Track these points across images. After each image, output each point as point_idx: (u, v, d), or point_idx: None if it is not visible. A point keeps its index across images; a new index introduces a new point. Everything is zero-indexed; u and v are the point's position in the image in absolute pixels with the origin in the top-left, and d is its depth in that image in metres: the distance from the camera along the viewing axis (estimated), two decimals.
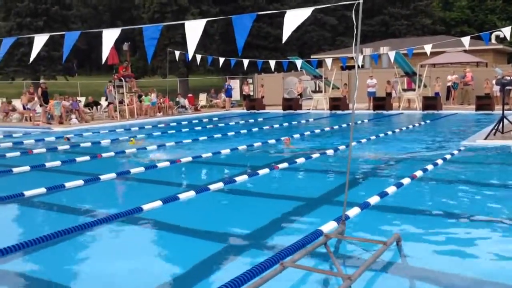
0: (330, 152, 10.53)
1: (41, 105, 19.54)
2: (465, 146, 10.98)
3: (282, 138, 12.56)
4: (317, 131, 15.25)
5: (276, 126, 17.80)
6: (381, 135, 13.59)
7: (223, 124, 18.84)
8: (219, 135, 14.66)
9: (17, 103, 22.20)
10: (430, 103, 21.42)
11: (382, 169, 8.81)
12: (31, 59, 8.15)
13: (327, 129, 15.96)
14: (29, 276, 4.32)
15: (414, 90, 22.50)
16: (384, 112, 21.78)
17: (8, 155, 11.25)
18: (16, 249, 4.75)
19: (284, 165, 9.10)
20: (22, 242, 4.88)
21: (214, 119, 21.36)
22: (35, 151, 11.95)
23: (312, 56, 33.92)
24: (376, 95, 23.31)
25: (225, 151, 11.08)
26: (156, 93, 24.12)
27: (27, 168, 9.32)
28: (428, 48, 18.17)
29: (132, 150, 11.72)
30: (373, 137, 12.93)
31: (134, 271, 4.33)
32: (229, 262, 4.50)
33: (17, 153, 11.55)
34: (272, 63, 24.76)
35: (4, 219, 6.39)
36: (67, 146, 12.76)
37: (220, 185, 7.47)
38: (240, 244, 5.00)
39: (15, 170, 9.17)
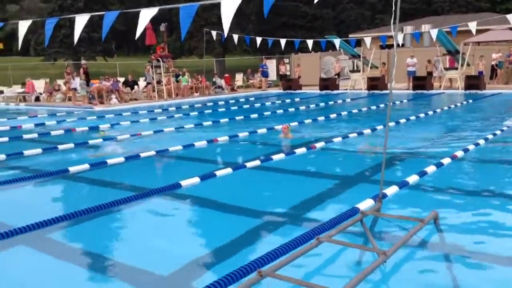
0: (367, 132, 10.43)
1: (87, 85, 20.02)
2: (508, 126, 10.66)
3: (279, 127, 11.07)
4: (354, 111, 15.09)
5: (313, 106, 17.70)
6: (421, 115, 13.33)
7: (259, 104, 18.87)
8: (256, 115, 14.71)
9: (60, 83, 22.86)
10: (473, 82, 20.78)
11: (421, 149, 8.68)
12: (75, 40, 8.38)
13: (364, 109, 15.76)
14: (72, 246, 4.52)
15: (456, 69, 21.86)
16: (425, 91, 21.30)
17: (53, 133, 11.65)
18: (61, 220, 4.97)
19: (321, 144, 9.08)
20: (67, 214, 5.10)
21: (251, 99, 21.40)
22: (78, 129, 12.33)
23: (350, 35, 33.34)
24: (416, 74, 22.77)
25: (261, 131, 11.13)
26: (188, 74, 24.24)
27: (71, 145, 9.65)
28: (473, 26, 17.56)
29: (171, 129, 11.93)
30: (412, 117, 12.71)
31: (172, 246, 4.47)
32: (266, 237, 4.58)
33: (61, 132, 11.95)
34: (310, 42, 24.54)
35: (51, 193, 6.67)
36: (108, 125, 13.10)
37: (257, 162, 7.55)
38: (277, 220, 5.07)
39: (60, 147, 9.51)
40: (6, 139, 10.79)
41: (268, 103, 19.30)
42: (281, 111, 16.08)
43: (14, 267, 4.01)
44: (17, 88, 24.00)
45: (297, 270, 3.51)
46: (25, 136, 11.18)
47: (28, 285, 3.66)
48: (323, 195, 5.94)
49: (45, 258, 4.22)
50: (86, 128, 12.48)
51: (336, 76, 25.34)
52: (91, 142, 10.06)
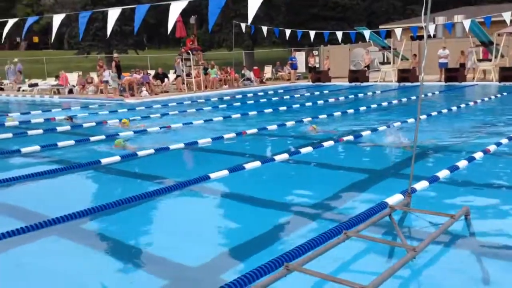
0: (397, 124, 10.29)
1: (118, 77, 20.33)
2: None
3: (307, 120, 11.41)
4: (384, 104, 14.89)
5: (342, 98, 17.55)
6: (453, 108, 13.06)
7: (288, 97, 18.81)
8: (284, 108, 14.68)
9: (93, 76, 23.29)
10: (507, 74, 20.20)
11: (453, 143, 8.51)
12: (108, 33, 8.52)
13: (394, 102, 15.54)
14: (103, 237, 4.62)
15: (490, 60, 21.29)
16: (457, 84, 20.84)
17: (85, 125, 11.90)
18: (93, 211, 5.09)
19: (350, 137, 9.01)
20: (99, 205, 5.21)
21: (279, 91, 21.36)
22: (109, 122, 12.55)
23: (380, 26, 32.82)
24: (448, 66, 22.28)
25: (290, 123, 11.12)
26: (217, 66, 24.31)
27: (102, 137, 9.84)
28: (507, 16, 17.07)
29: (200, 121, 12.03)
30: (444, 110, 12.47)
31: (201, 238, 4.52)
32: (293, 231, 4.58)
33: (93, 123, 12.20)
34: (339, 34, 24.31)
35: (84, 184, 6.83)
36: (138, 117, 13.29)
37: (285, 156, 7.55)
38: (304, 214, 5.07)
39: (92, 139, 9.71)
40: (40, 131, 11.08)
41: (297, 96, 19.22)
42: (310, 103, 16.00)
43: (47, 257, 4.13)
44: (51, 81, 24.57)
45: (324, 265, 3.51)
46: (59, 129, 11.45)
47: (59, 275, 3.77)
48: (351, 189, 5.90)
49: (77, 249, 4.33)
50: (117, 121, 12.69)
51: (366, 68, 25.03)
52: (121, 134, 10.23)
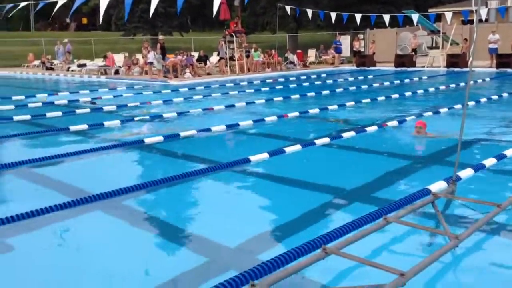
0: (444, 111, 10.00)
1: (163, 59, 20.61)
2: None
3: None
4: (431, 89, 14.48)
5: (387, 83, 17.18)
6: (504, 94, 12.56)
7: (331, 81, 18.58)
8: (327, 92, 14.52)
9: (139, 57, 23.70)
10: None
11: (502, 131, 8.21)
12: (150, 13, 8.60)
13: (442, 87, 15.08)
14: (145, 214, 4.74)
15: None
16: (509, 70, 19.99)
17: (130, 105, 12.16)
18: (136, 188, 5.21)
19: (394, 123, 8.83)
20: (142, 183, 5.34)
21: (323, 75, 21.11)
22: (153, 102, 12.77)
23: (430, 10, 31.78)
24: (498, 51, 21.37)
25: (332, 107, 10.99)
26: (260, 49, 24.21)
27: (146, 117, 10.04)
28: None
29: (242, 104, 12.07)
30: (494, 97, 12.01)
31: (240, 219, 4.56)
32: (332, 214, 4.56)
33: (137, 103, 12.45)
34: (386, 17, 23.73)
35: (127, 162, 7.00)
36: (181, 99, 13.47)
37: (326, 140, 7.48)
38: (344, 198, 5.02)
39: (136, 119, 9.92)
40: (87, 110, 11.40)
41: (340, 80, 18.96)
42: (354, 88, 15.76)
43: (90, 233, 4.27)
44: (99, 62, 25.18)
45: (362, 249, 3.47)
46: (105, 108, 11.74)
47: (101, 251, 3.89)
48: (394, 175, 5.80)
49: (119, 224, 4.46)
50: (161, 102, 12.89)
51: (413, 53, 24.36)
52: (165, 115, 10.39)
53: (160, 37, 22.74)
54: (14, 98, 13.70)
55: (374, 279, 2.97)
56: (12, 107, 12.06)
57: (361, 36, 28.61)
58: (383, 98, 12.54)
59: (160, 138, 7.85)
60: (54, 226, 4.36)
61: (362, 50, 27.57)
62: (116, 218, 4.61)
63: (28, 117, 10.31)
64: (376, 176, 5.69)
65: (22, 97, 14.06)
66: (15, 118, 10.22)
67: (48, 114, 10.61)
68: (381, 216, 3.90)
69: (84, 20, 66.06)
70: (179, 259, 3.72)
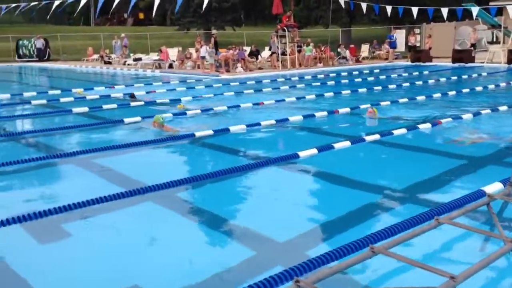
0: (503, 109, 9.58)
1: (216, 53, 20.85)
2: None
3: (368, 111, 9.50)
4: (491, 86, 13.89)
5: (443, 80, 16.63)
6: None
7: (384, 76, 18.19)
8: (379, 88, 14.24)
9: (192, 52, 24.09)
10: None
11: None
12: (203, 7, 8.70)
13: (502, 84, 14.44)
14: (195, 206, 4.83)
15: None
16: None
17: (183, 99, 12.39)
18: (187, 181, 5.32)
19: (448, 120, 8.55)
20: (193, 176, 5.44)
21: (376, 70, 20.71)
22: (204, 96, 12.96)
23: (491, 3, 30.45)
24: None
25: (385, 103, 10.77)
26: (312, 44, 24.01)
27: (198, 111, 10.20)
28: None
29: (292, 99, 12.04)
30: None
31: (288, 214, 4.56)
32: (381, 213, 4.48)
33: (189, 98, 12.67)
34: (444, 11, 22.92)
35: (179, 155, 7.15)
36: (232, 93, 13.59)
37: (376, 136, 7.35)
38: (394, 197, 4.92)
39: (189, 113, 10.09)
40: (142, 102, 11.71)
41: (394, 76, 18.53)
42: (407, 84, 15.36)
43: (141, 223, 4.40)
44: (154, 56, 25.78)
45: (411, 250, 3.40)
46: (158, 101, 12.02)
47: (151, 241, 4.00)
48: (446, 175, 5.62)
49: (170, 215, 4.57)
50: (212, 95, 13.06)
51: (472, 48, 23.44)
52: (216, 109, 10.52)
53: (213, 31, 22.99)
54: (73, 90, 14.26)
55: (423, 282, 2.90)
56: (71, 99, 12.57)
57: (417, 31, 27.80)
58: (438, 95, 12.16)
59: (210, 132, 7.96)
60: (108, 215, 4.53)
61: (417, 45, 26.79)
62: (166, 209, 4.72)
63: (86, 109, 10.72)
64: (427, 175, 5.54)
65: (81, 89, 14.61)
66: (74, 110, 10.65)
67: (105, 106, 10.99)
68: (432, 217, 3.79)
69: (141, 15, 67.76)
70: (226, 252, 3.77)
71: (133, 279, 3.27)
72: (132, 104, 11.56)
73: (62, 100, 12.43)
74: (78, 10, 25.39)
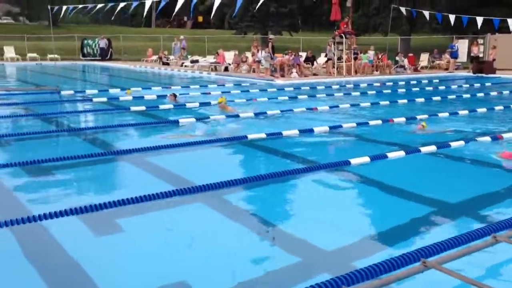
0: None
1: (271, 58, 20.94)
2: None
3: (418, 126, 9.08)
4: None
5: (506, 92, 15.93)
6: None
7: (443, 87, 17.64)
8: (438, 98, 13.82)
9: (248, 55, 24.31)
10: None
11: None
12: (255, 9, 8.73)
13: None
14: (242, 208, 4.85)
15: None
16: None
17: (237, 101, 12.51)
18: (236, 183, 5.36)
19: (510, 134, 8.17)
20: (242, 178, 5.48)
21: (435, 81, 20.11)
22: (258, 99, 13.03)
23: None
24: None
25: (443, 115, 10.44)
26: (374, 51, 23.68)
27: (251, 114, 10.27)
28: None
29: (346, 106, 11.89)
30: None
31: (337, 222, 4.49)
32: (434, 227, 4.33)
33: (244, 100, 12.77)
34: (511, 21, 21.98)
35: (230, 157, 7.21)
36: (286, 97, 13.58)
37: (432, 148, 7.13)
38: (448, 210, 4.75)
39: (242, 115, 10.17)
40: (196, 104, 11.92)
41: (454, 87, 17.93)
42: (468, 95, 14.82)
43: (189, 222, 4.46)
44: (210, 58, 26.21)
45: (466, 267, 3.26)
46: (213, 102, 12.20)
47: (197, 240, 4.04)
48: (505, 191, 5.37)
49: (218, 217, 4.61)
50: (266, 99, 13.11)
51: None
52: (269, 113, 10.55)
53: (271, 36, 23.10)
54: (132, 89, 14.71)
55: None
56: (130, 98, 12.97)
57: (480, 41, 26.79)
58: (501, 107, 11.66)
59: (263, 135, 7.99)
60: (158, 213, 4.63)
61: (480, 55, 25.82)
62: (215, 210, 4.77)
63: (143, 108, 11.03)
64: (485, 190, 5.32)
65: (139, 88, 15.05)
66: (132, 108, 10.98)
67: (161, 106, 11.27)
68: (489, 234, 3.63)
69: (200, 19, 69.14)
70: (271, 256, 3.76)
71: (180, 276, 3.32)
72: (188, 105, 11.76)
73: (122, 98, 12.85)
74: (144, 14, 26.20)
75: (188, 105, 11.79)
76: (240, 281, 3.27)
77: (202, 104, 11.93)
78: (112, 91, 14.80)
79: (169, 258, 3.66)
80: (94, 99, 12.57)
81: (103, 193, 5.23)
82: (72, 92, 14.10)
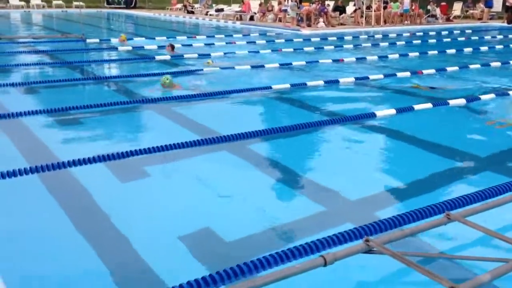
0: None
1: (298, 7, 20.43)
2: None
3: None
4: None
5: None
6: None
7: (476, 38, 17.03)
8: (470, 49, 13.37)
9: (274, 4, 23.77)
10: None
11: None
12: None
13: None
14: (266, 158, 4.88)
15: None
16: None
17: (262, 51, 12.35)
18: (261, 133, 5.37)
19: None
20: (266, 129, 5.48)
21: (467, 31, 19.42)
22: (284, 50, 12.82)
23: None
24: None
25: (474, 66, 10.14)
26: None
27: (276, 65, 10.14)
28: None
29: (374, 57, 11.63)
30: None
31: (362, 173, 4.49)
32: (459, 181, 4.30)
33: (269, 51, 12.60)
34: None
35: (255, 107, 7.19)
36: (312, 48, 13.33)
37: (462, 101, 6.97)
38: (475, 165, 4.70)
39: (267, 66, 10.06)
40: (221, 53, 11.80)
41: (487, 37, 17.29)
42: (501, 47, 14.30)
43: (214, 171, 4.52)
44: (235, 7, 25.73)
45: (489, 221, 3.25)
46: (238, 52, 12.06)
47: (222, 189, 4.10)
48: None
49: (242, 166, 4.65)
50: (291, 50, 12.89)
51: None
52: (294, 63, 10.40)
53: None
54: (157, 38, 14.62)
55: (499, 253, 2.78)
56: (155, 46, 12.91)
57: None
58: None
59: (287, 86, 7.91)
60: (184, 161, 4.69)
61: None
62: (240, 159, 4.81)
63: (168, 57, 10.98)
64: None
65: (164, 38, 14.95)
66: (157, 58, 10.95)
67: (186, 56, 11.20)
68: None
69: None
70: (296, 205, 3.81)
71: (204, 222, 3.39)
72: (213, 54, 11.66)
73: (146, 47, 12.80)
74: None
75: (213, 54, 11.67)
76: (264, 228, 3.32)
77: (226, 54, 11.78)
78: (137, 39, 14.74)
79: (193, 205, 3.73)
80: (119, 48, 12.57)
81: (129, 141, 5.31)
82: (97, 40, 14.10)
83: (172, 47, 11.96)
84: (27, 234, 3.25)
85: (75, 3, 30.53)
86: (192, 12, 27.90)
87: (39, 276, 2.77)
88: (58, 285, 2.71)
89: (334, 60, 10.96)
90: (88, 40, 13.76)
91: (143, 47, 12.89)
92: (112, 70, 10.15)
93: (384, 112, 6.25)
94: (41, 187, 3.97)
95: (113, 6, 32.56)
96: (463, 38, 16.73)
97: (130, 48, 12.66)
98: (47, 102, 6.92)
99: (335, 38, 16.22)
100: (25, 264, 2.89)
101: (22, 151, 4.78)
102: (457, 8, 26.20)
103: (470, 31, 19.56)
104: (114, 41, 13.83)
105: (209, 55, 11.47)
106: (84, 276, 2.79)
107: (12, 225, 3.37)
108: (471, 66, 10.12)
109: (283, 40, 15.46)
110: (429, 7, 24.04)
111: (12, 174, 3.96)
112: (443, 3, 25.47)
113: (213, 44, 14.00)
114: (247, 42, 14.57)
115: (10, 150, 4.83)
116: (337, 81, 8.44)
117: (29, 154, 4.69)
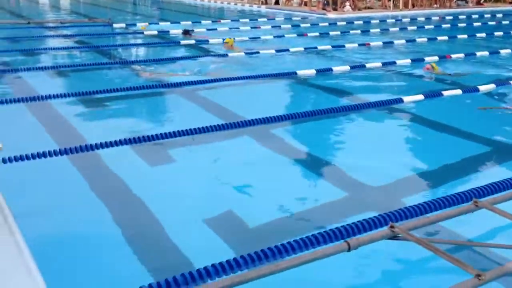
0: None
1: None
2: None
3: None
4: None
5: None
6: None
7: (507, 22, 16.54)
8: (500, 33, 13.01)
9: None
10: None
11: None
12: None
13: None
14: (290, 142, 4.87)
15: None
16: None
17: (287, 36, 12.25)
18: (285, 118, 5.35)
19: None
20: (290, 113, 5.46)
21: (498, 15, 18.87)
22: (309, 34, 12.69)
23: None
24: None
25: (505, 51, 9.87)
26: None
27: (301, 49, 10.06)
28: None
29: (401, 42, 11.42)
30: None
31: (386, 159, 4.43)
32: (487, 168, 4.23)
33: (294, 35, 12.48)
34: None
35: (279, 92, 7.16)
36: (338, 32, 13.16)
37: (491, 86, 6.80)
38: (504, 152, 4.60)
39: (292, 50, 9.98)
40: (246, 38, 11.75)
41: None
42: None
43: (237, 154, 4.53)
44: None
45: None
46: (263, 37, 11.99)
47: (245, 172, 4.11)
48: None
49: (265, 150, 4.64)
50: (317, 34, 12.75)
51: None
52: (320, 48, 10.30)
53: None
54: (182, 23, 14.62)
55: None
56: (179, 31, 12.91)
57: None
58: None
59: (313, 71, 7.85)
60: (208, 145, 4.72)
61: None
62: (263, 144, 4.80)
63: (192, 42, 10.99)
64: None
65: (189, 22, 14.95)
66: (182, 42, 10.97)
67: (211, 41, 11.20)
68: None
69: None
70: (319, 191, 3.80)
71: (229, 206, 3.41)
72: (237, 39, 11.62)
73: (172, 32, 12.83)
74: None
75: (237, 39, 11.62)
76: (288, 214, 3.33)
77: (251, 38, 11.72)
78: (163, 23, 14.77)
79: (217, 189, 3.76)
80: (145, 32, 12.62)
81: (154, 124, 5.36)
82: (123, 25, 14.18)
83: (187, 32, 11.95)
84: (59, 209, 3.34)
85: None
86: None
87: (70, 248, 2.84)
88: (87, 258, 2.79)
89: (360, 45, 10.80)
90: (114, 25, 13.86)
91: (168, 31, 12.92)
92: (139, 53, 10.22)
93: (411, 97, 6.15)
94: (70, 168, 4.05)
95: None
96: (493, 23, 16.27)
97: (155, 32, 12.70)
98: (75, 85, 7.02)
99: (361, 22, 15.96)
100: (56, 237, 2.98)
101: (51, 134, 4.88)
102: None
103: (501, 15, 19.00)
104: (139, 25, 13.89)
105: (234, 39, 11.43)
106: (112, 252, 2.85)
107: (45, 201, 3.45)
108: (502, 51, 9.85)
109: (308, 25, 15.30)
110: None
111: (42, 155, 4.04)
112: None
113: (238, 28, 13.94)
114: (272, 27, 14.46)
115: (40, 132, 4.94)
116: (363, 66, 8.33)
117: (59, 137, 4.78)
